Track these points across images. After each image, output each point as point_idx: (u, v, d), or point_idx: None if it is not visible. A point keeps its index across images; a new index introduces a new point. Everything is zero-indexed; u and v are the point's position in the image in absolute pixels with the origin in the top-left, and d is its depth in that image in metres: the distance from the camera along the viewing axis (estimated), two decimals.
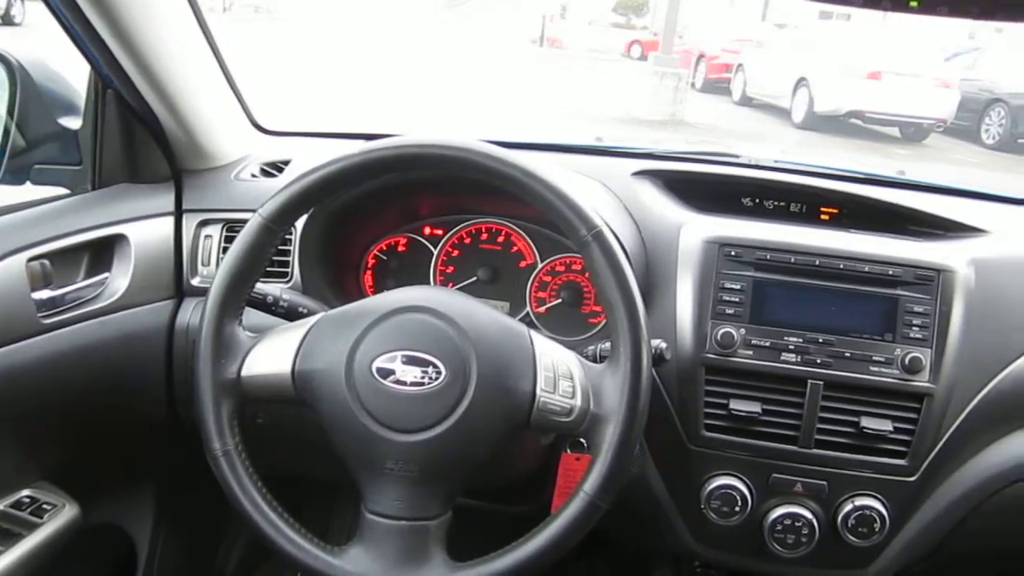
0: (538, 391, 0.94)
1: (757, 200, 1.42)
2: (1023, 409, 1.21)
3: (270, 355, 0.97)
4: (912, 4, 0.79)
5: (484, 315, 0.98)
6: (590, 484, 0.93)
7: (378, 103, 8.41)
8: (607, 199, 1.30)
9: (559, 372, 0.96)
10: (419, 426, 0.92)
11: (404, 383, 0.92)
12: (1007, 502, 1.22)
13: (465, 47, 16.35)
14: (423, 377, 0.92)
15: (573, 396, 0.96)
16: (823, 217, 1.39)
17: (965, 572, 1.40)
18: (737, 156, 1.57)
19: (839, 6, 0.86)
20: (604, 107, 10.42)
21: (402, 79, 10.75)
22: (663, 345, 1.08)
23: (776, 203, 1.41)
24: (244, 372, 0.97)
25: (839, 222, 1.37)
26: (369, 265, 1.40)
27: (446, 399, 0.92)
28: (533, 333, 0.99)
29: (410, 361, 0.92)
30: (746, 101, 12.43)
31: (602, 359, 1.02)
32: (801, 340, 1.18)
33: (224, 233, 1.33)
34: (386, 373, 0.92)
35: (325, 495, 1.77)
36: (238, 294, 0.98)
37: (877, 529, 1.19)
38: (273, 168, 1.44)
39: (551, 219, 0.97)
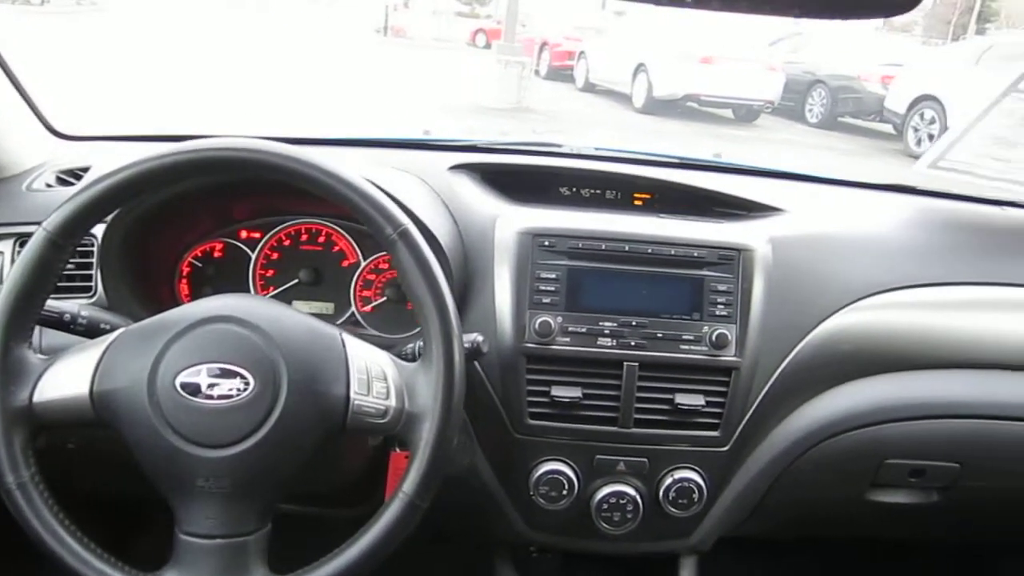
0: (352, 394, 0.93)
1: (574, 189, 1.45)
2: (822, 375, 1.30)
3: (65, 377, 0.92)
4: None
5: (292, 321, 0.96)
6: (409, 484, 0.93)
7: (210, 100, 8.08)
8: (423, 194, 1.30)
9: (372, 373, 0.96)
10: (229, 440, 0.88)
11: (211, 397, 0.88)
12: (813, 461, 1.31)
13: (305, 37, 15.95)
14: (231, 390, 0.89)
15: (387, 397, 0.95)
16: (636, 203, 1.44)
17: (782, 527, 1.49)
18: (560, 146, 1.61)
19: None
20: (451, 96, 10.41)
21: (235, 71, 10.39)
22: (479, 338, 1.10)
23: (592, 191, 1.45)
24: (36, 398, 0.91)
25: (651, 207, 1.42)
26: (184, 273, 1.34)
27: (256, 410, 0.89)
28: (345, 335, 0.98)
29: (216, 374, 0.89)
30: (589, 87, 12.75)
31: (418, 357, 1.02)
32: (616, 324, 1.22)
33: (16, 249, 1.24)
34: (191, 388, 0.88)
35: (158, 516, 1.70)
36: (24, 314, 0.92)
37: (696, 499, 1.25)
38: (71, 176, 1.35)
39: (357, 219, 0.96)
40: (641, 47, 11.15)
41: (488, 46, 14.91)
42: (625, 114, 11.08)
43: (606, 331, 1.22)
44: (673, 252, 1.25)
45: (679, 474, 1.25)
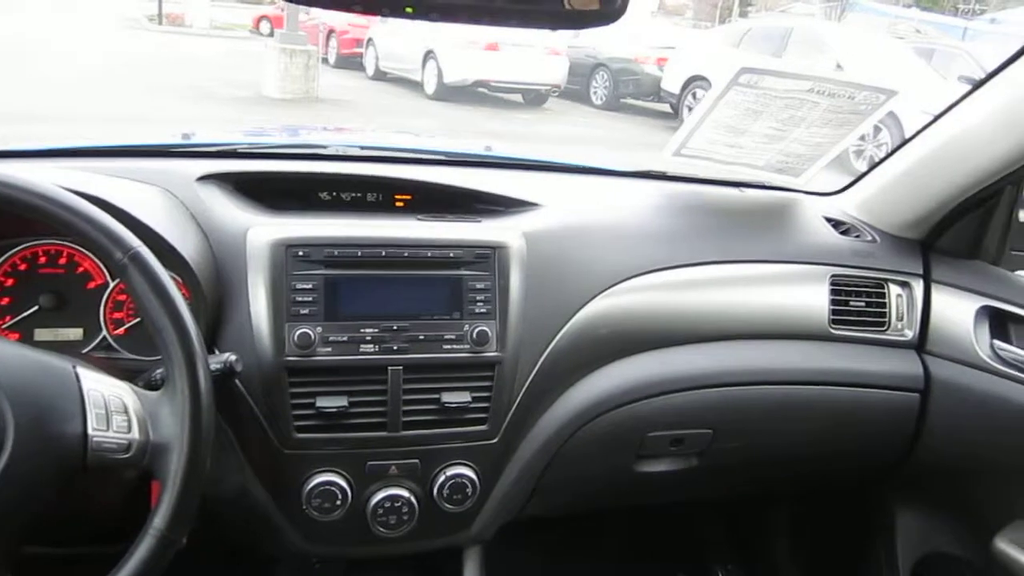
0: (89, 431, 0.87)
1: (334, 193, 1.43)
2: (583, 360, 1.36)
3: None
4: (407, 10, 0.83)
5: (16, 357, 0.88)
6: (160, 518, 0.89)
7: None
8: (168, 208, 1.23)
9: (112, 406, 0.90)
10: None
11: None
12: (582, 441, 1.38)
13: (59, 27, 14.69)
14: None
15: (129, 430, 0.90)
16: (398, 204, 1.44)
17: (561, 506, 1.55)
18: (324, 147, 1.58)
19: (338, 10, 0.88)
20: (234, 87, 9.96)
21: None
22: (232, 357, 1.06)
23: (353, 195, 1.44)
24: None
25: (412, 208, 1.42)
26: None
27: None
28: (80, 367, 0.92)
29: None
30: (380, 75, 12.61)
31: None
32: (377, 330, 1.22)
33: None
34: None
35: None
36: None
37: (470, 493, 1.28)
38: None
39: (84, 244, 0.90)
40: (428, 34, 11.17)
41: (273, 34, 14.37)
42: (417, 101, 11.06)
43: (368, 337, 1.21)
44: (430, 254, 1.26)
45: (452, 471, 1.27)
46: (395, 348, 1.22)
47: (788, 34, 11.29)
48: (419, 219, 1.35)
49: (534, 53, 10.98)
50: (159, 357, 1.21)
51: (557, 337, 1.32)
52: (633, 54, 12.17)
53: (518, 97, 12.06)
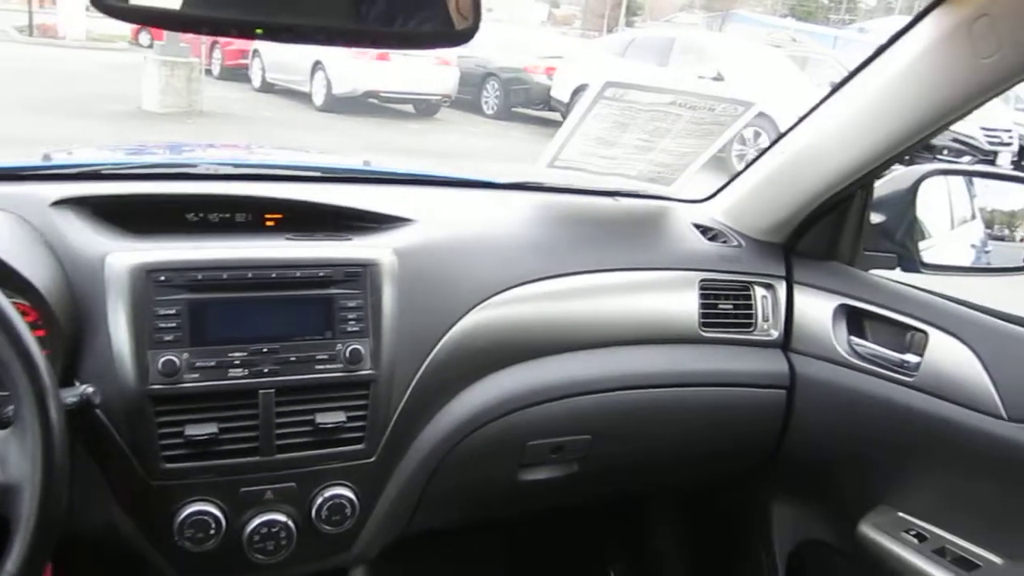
0: None
1: (201, 214, 1.39)
2: (461, 373, 1.37)
3: None
4: (258, 32, 0.82)
5: None
6: (11, 563, 0.85)
7: None
8: (18, 236, 1.17)
9: None
10: None
11: None
12: (464, 454, 1.38)
13: None
14: None
15: None
16: (268, 224, 1.41)
17: (449, 519, 1.56)
18: (194, 166, 1.53)
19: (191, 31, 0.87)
20: (113, 102, 9.57)
21: None
22: (88, 389, 1.02)
23: (221, 215, 1.40)
24: None
25: (283, 227, 1.40)
26: None
27: None
28: None
29: None
30: (267, 87, 12.35)
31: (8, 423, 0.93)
32: (246, 353, 1.19)
33: None
34: None
35: None
36: None
37: (349, 514, 1.26)
38: None
39: None
40: (316, 45, 10.99)
41: (152, 45, 13.89)
42: (306, 113, 10.90)
43: (236, 361, 1.19)
44: (299, 274, 1.24)
45: (330, 492, 1.25)
46: (265, 371, 1.20)
47: (671, 44, 11.68)
48: (288, 239, 1.33)
49: (424, 63, 10.97)
50: (7, 393, 1.17)
51: (433, 352, 1.33)
52: (523, 64, 12.32)
53: (410, 107, 12.02)
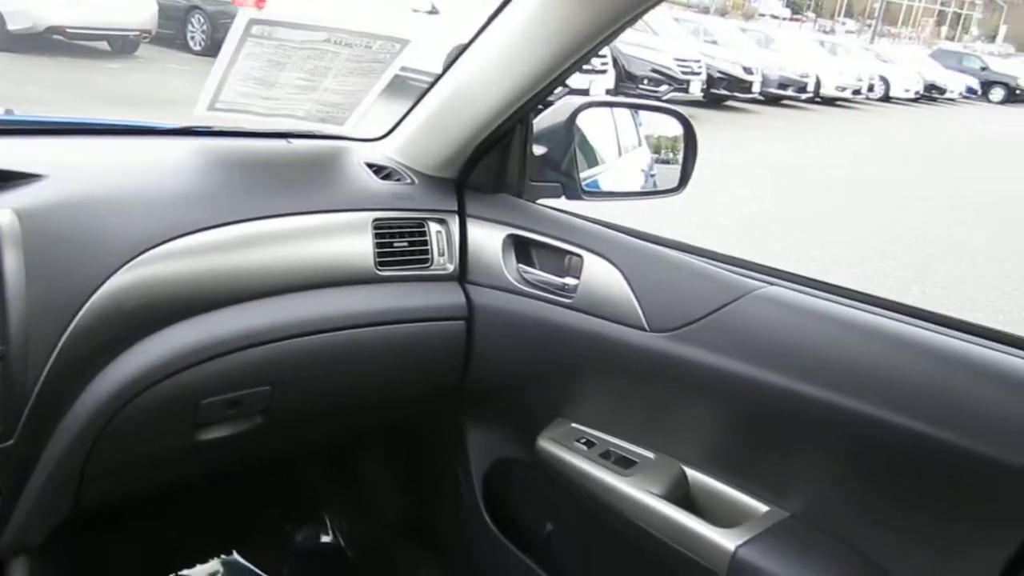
0: None
1: None
2: (114, 337, 1.28)
3: None
4: None
5: None
6: None
7: None
8: None
9: None
10: None
11: None
12: (128, 422, 1.29)
13: None
14: None
15: None
16: None
17: (124, 491, 1.47)
18: None
19: None
20: None
21: None
22: None
23: None
24: None
25: None
26: None
27: None
28: None
29: None
30: None
31: None
32: None
33: None
34: None
35: None
36: None
37: None
38: None
39: None
40: None
41: None
42: None
43: None
44: None
45: None
46: None
47: None
48: None
49: None
50: None
51: (76, 319, 1.22)
52: None
53: (104, 44, 10.91)
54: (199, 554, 2.05)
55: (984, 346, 1.19)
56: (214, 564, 2.07)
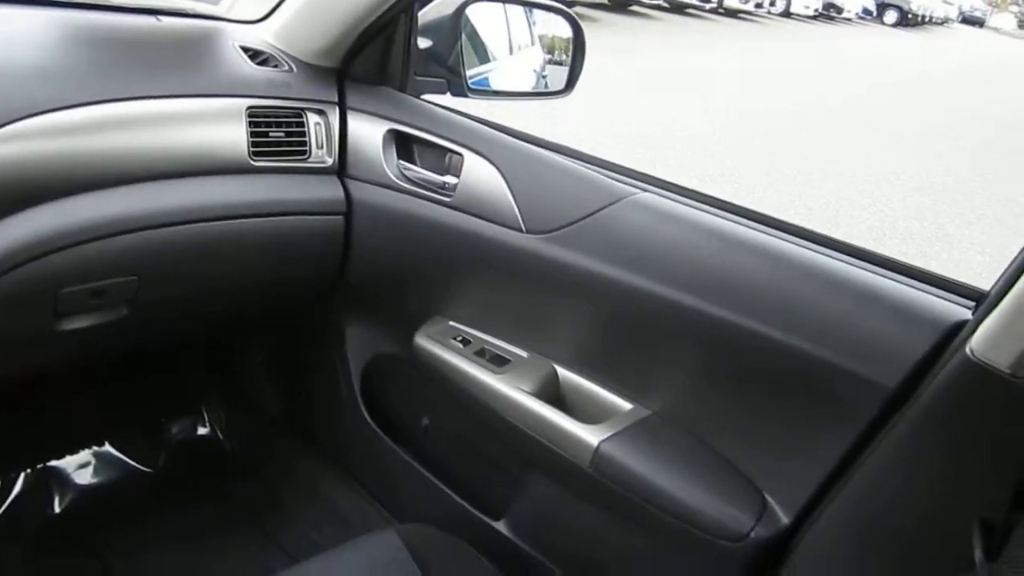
0: None
1: None
2: None
3: None
4: None
5: None
6: None
7: None
8: None
9: None
10: None
11: None
12: None
13: None
14: None
15: None
16: None
17: None
18: None
19: None
20: None
21: None
22: None
23: None
24: None
25: None
26: None
27: None
28: None
29: None
30: None
31: None
32: None
33: None
34: None
35: None
36: None
37: None
38: None
39: None
40: None
41: None
42: None
43: None
44: None
45: None
46: None
47: None
48: None
49: None
50: None
51: None
52: None
53: None
54: (70, 446, 2.01)
55: (835, 258, 1.26)
56: (85, 455, 2.03)
